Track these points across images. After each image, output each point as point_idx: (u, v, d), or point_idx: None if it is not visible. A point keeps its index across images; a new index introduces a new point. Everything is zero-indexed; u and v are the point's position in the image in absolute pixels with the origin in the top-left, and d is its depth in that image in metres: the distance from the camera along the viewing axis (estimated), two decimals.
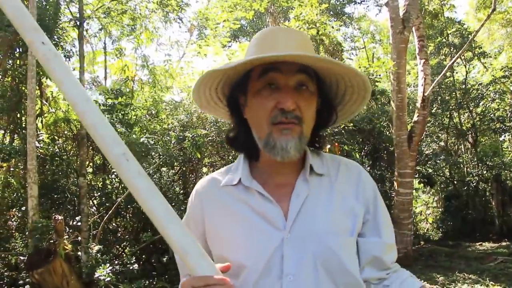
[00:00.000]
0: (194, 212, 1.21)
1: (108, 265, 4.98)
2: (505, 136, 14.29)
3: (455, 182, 12.59)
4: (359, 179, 1.15)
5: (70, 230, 6.37)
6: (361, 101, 1.15)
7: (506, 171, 12.45)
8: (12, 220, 6.81)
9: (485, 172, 11.97)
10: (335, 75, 1.11)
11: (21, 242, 6.57)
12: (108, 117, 7.04)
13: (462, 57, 12.33)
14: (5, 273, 6.07)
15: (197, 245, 0.92)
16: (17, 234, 6.69)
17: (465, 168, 13.27)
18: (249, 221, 1.08)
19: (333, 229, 1.04)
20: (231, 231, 1.09)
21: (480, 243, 10.36)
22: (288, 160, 1.05)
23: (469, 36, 10.15)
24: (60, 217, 4.74)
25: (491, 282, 6.18)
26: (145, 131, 7.49)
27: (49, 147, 7.01)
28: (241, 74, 1.11)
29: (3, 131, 7.03)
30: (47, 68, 0.95)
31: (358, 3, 16.14)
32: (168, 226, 0.88)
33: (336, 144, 6.98)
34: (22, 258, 5.71)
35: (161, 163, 6.82)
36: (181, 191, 7.83)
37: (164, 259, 6.84)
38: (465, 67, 12.71)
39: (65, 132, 7.67)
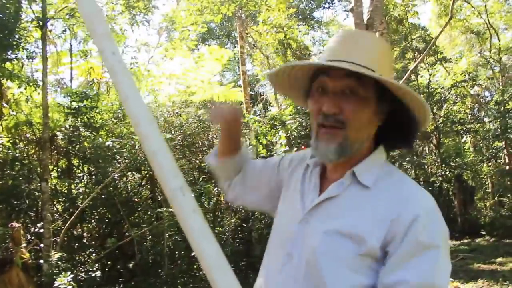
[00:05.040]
0: (284, 164, 1.34)
1: (69, 273, 4.87)
2: (466, 138, 14.77)
3: (421, 182, 12.90)
4: (402, 204, 1.01)
5: (32, 238, 6.19)
6: (422, 108, 1.07)
7: (467, 171, 12.88)
8: None
9: (448, 172, 12.34)
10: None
11: None
12: (72, 120, 6.90)
13: (426, 62, 12.66)
14: None
15: None
16: None
17: (430, 169, 13.63)
18: (294, 196, 1.19)
19: (334, 237, 1.02)
20: (283, 198, 1.25)
21: None
22: (330, 163, 1.11)
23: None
24: (17, 225, 4.61)
25: (450, 279, 6.36)
26: (111, 134, 7.36)
27: (9, 151, 6.80)
28: (310, 76, 1.16)
29: None
30: (114, 80, 0.92)
31: (326, 8, 16.38)
32: (217, 273, 0.85)
33: (303, 147, 7.05)
34: None
35: (126, 167, 6.71)
36: (149, 195, 7.73)
37: (130, 265, 6.73)
38: (428, 71, 13.06)
39: (27, 136, 7.45)
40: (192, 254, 6.36)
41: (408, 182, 1.10)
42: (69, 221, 6.07)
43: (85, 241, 7.08)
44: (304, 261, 1.04)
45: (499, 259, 7.83)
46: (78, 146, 6.86)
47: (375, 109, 1.07)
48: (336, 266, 1.00)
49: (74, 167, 7.56)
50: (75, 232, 7.11)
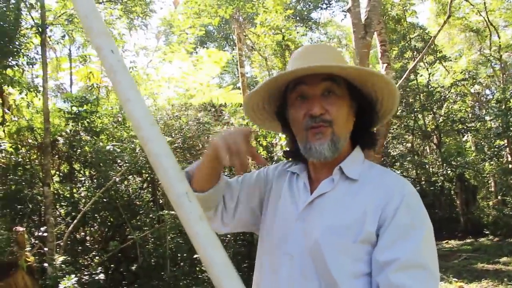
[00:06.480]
0: (266, 175, 1.36)
1: (73, 276, 4.90)
2: (467, 137, 14.74)
3: (422, 182, 12.89)
4: (388, 192, 1.11)
5: (36, 241, 6.23)
6: (392, 96, 1.21)
7: (469, 170, 12.85)
8: None
9: (449, 171, 12.32)
10: (360, 79, 1.19)
11: None
12: (73, 125, 6.95)
13: (425, 61, 12.67)
14: None
15: None
16: None
17: (431, 169, 13.61)
18: (285, 199, 1.24)
19: (332, 229, 1.09)
20: (271, 205, 1.27)
21: (446, 241, 10.66)
22: (325, 161, 1.16)
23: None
24: (21, 229, 4.64)
25: (454, 279, 6.37)
26: (111, 138, 7.41)
27: (12, 156, 6.84)
28: (281, 91, 1.24)
29: None
30: (113, 80, 0.86)
31: (324, 9, 16.45)
32: (224, 281, 0.81)
33: None
34: None
35: (127, 170, 6.75)
36: (151, 198, 7.77)
37: (133, 267, 6.76)
38: (427, 70, 13.06)
39: (29, 141, 7.50)
40: (194, 256, 6.39)
41: (389, 172, 1.21)
42: (72, 225, 6.10)
43: (88, 244, 7.11)
44: (308, 257, 1.10)
45: (504, 259, 7.81)
46: (79, 150, 6.90)
47: (350, 105, 1.19)
48: (339, 256, 1.07)
49: (75, 172, 7.61)
50: (78, 235, 7.15)
